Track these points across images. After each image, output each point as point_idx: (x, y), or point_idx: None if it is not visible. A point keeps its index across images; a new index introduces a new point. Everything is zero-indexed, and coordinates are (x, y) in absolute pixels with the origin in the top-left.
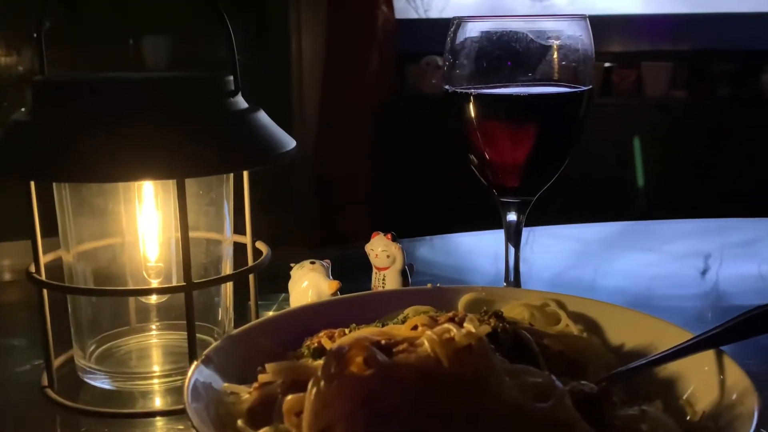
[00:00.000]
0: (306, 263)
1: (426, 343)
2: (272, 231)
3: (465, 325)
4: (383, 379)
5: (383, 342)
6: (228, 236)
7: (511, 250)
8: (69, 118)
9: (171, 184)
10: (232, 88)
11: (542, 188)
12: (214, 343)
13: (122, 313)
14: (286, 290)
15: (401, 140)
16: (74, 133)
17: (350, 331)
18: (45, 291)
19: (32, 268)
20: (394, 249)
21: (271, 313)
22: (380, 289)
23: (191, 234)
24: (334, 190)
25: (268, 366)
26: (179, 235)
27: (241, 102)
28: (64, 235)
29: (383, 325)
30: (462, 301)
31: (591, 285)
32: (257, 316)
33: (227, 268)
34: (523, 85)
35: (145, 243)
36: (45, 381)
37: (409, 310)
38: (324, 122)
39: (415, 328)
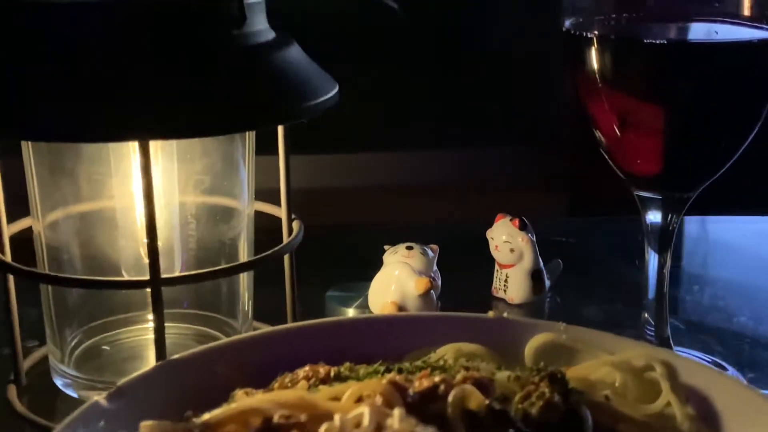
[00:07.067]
0: (401, 248)
1: None
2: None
3: (395, 412)
4: None
5: (277, 419)
6: (247, 204)
7: (654, 263)
8: (9, 54)
9: None
10: (237, 13)
11: (704, 182)
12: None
13: (112, 300)
14: None
15: None
16: (16, 73)
17: (344, 371)
18: (11, 277)
19: None
20: (521, 241)
21: (351, 311)
22: (501, 292)
23: (195, 199)
24: None
25: (142, 426)
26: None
27: (250, 33)
28: (33, 199)
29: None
30: (530, 345)
31: None
32: (294, 317)
33: (243, 247)
34: (683, 24)
35: (139, 213)
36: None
37: (446, 349)
38: None
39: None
